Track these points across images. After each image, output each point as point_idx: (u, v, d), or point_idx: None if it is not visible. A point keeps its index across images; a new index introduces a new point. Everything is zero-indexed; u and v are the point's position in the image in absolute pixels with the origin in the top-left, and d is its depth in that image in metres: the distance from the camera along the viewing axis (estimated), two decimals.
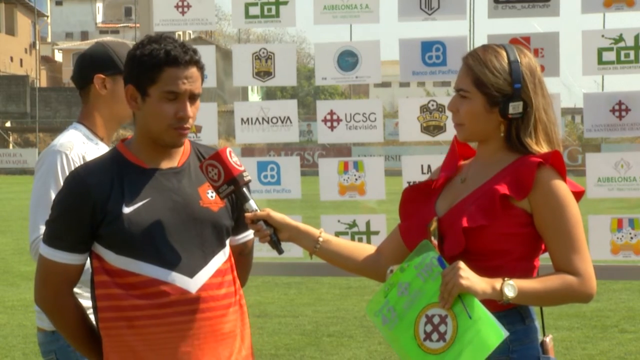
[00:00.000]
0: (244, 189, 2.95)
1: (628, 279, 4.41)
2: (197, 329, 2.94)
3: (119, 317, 2.95)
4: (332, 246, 3.08)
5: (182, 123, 2.95)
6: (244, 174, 2.94)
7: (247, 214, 2.95)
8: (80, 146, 3.72)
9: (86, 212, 2.94)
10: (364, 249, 3.15)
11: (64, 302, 3.06)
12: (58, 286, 3.03)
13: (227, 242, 3.10)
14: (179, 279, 2.93)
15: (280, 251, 2.98)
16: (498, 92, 2.88)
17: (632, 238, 4.23)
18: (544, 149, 2.90)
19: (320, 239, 3.06)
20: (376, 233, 4.41)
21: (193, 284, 2.95)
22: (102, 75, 3.77)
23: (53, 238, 3.00)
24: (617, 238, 4.24)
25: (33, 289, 3.82)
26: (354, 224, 4.45)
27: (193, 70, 2.95)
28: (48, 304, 3.08)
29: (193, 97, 2.96)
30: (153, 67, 2.91)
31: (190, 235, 2.98)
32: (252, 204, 2.96)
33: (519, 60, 2.90)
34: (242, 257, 3.22)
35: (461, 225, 2.83)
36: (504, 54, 2.91)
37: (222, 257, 3.05)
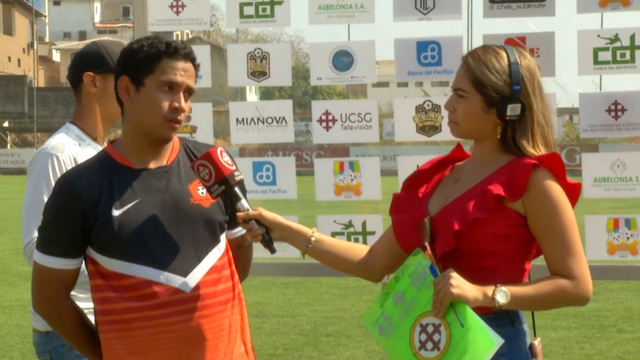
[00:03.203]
0: (236, 189, 2.94)
1: (624, 279, 4.42)
2: (196, 327, 2.94)
3: (115, 320, 2.94)
4: (325, 246, 3.07)
5: (175, 115, 2.94)
6: (235, 173, 2.93)
7: (239, 214, 2.94)
8: (71, 148, 3.72)
9: (77, 216, 2.93)
10: (357, 249, 3.13)
11: (61, 307, 3.05)
12: (54, 291, 3.03)
13: (223, 237, 3.08)
14: (172, 279, 2.92)
15: (272, 250, 2.97)
16: (496, 93, 2.86)
17: (628, 238, 4.23)
18: (540, 151, 2.88)
19: (313, 239, 3.05)
20: (372, 233, 4.41)
21: (187, 282, 2.94)
22: (91, 73, 3.77)
23: (46, 244, 3.00)
24: (614, 238, 4.24)
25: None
26: (350, 224, 4.45)
27: (190, 65, 2.97)
28: (45, 309, 3.07)
29: (188, 92, 2.97)
30: (152, 56, 2.93)
31: (182, 233, 2.97)
32: (244, 203, 2.95)
33: (519, 62, 2.88)
34: (241, 251, 3.21)
35: (452, 228, 2.82)
36: (504, 55, 2.89)
37: (217, 253, 3.03)
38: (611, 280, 3.91)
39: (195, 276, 2.95)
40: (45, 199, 3.62)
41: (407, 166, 4.36)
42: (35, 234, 3.59)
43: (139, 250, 2.91)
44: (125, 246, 2.91)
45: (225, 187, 2.92)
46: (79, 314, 3.09)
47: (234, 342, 3.04)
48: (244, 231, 3.16)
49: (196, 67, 3.00)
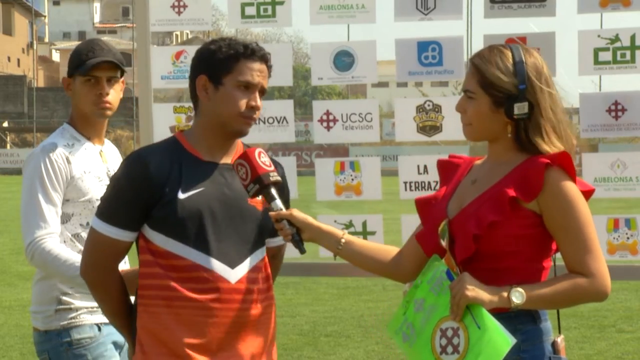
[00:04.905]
0: (272, 189, 3.02)
1: (624, 279, 4.40)
2: (232, 318, 3.07)
3: (159, 295, 3.06)
4: (355, 247, 3.12)
5: (252, 113, 3.10)
6: (271, 174, 3.02)
7: (271, 213, 3.03)
8: (63, 147, 3.77)
9: (144, 190, 3.04)
10: (386, 250, 3.17)
11: (110, 276, 3.16)
12: (107, 260, 3.14)
13: (265, 242, 3.22)
14: (220, 268, 3.06)
15: (302, 251, 3.05)
16: (503, 93, 2.89)
17: (628, 238, 4.23)
18: (555, 146, 2.89)
19: (343, 240, 3.10)
20: (372, 233, 4.41)
21: (233, 274, 3.07)
22: (66, 78, 3.86)
23: (108, 214, 3.10)
24: (614, 238, 4.24)
25: (31, 288, 3.84)
26: (350, 224, 4.45)
27: (264, 67, 3.15)
28: (94, 277, 3.17)
29: (262, 92, 3.14)
30: (231, 57, 3.09)
31: (235, 228, 3.10)
32: (277, 203, 3.03)
33: (525, 61, 2.91)
34: (274, 260, 3.33)
35: (471, 231, 2.84)
36: (510, 54, 2.92)
37: (260, 255, 3.18)
38: (611, 280, 3.90)
39: (241, 270, 3.09)
40: (41, 198, 3.68)
41: (408, 166, 4.37)
42: (37, 233, 3.63)
43: (195, 235, 3.04)
44: (184, 229, 3.03)
45: (259, 187, 3.01)
46: (124, 286, 3.20)
47: (262, 340, 3.16)
48: (282, 242, 3.30)
49: (269, 67, 3.18)
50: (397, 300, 3.02)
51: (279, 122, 4.49)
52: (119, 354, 3.87)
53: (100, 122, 3.91)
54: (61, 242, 3.72)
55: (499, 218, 2.83)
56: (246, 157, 3.02)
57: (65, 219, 3.76)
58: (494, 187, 2.90)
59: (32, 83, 56.06)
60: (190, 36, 53.23)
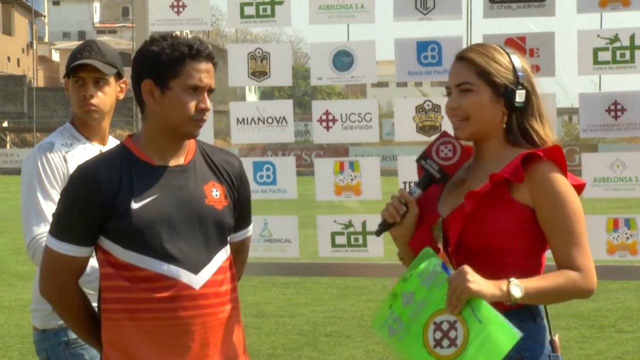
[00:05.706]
0: (428, 179, 2.96)
1: (624, 279, 4.41)
2: (200, 324, 3.00)
3: (122, 309, 2.99)
4: None
5: (202, 115, 3.02)
6: (445, 175, 2.95)
7: (404, 192, 2.94)
8: (61, 146, 3.78)
9: (96, 205, 2.97)
10: None
11: (70, 293, 3.09)
12: (65, 278, 3.07)
13: (228, 239, 3.15)
14: (184, 275, 2.98)
15: (378, 234, 3.02)
16: (503, 82, 2.90)
17: (628, 238, 4.23)
18: (548, 134, 2.92)
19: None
20: (372, 233, 4.40)
21: (197, 280, 3.00)
22: (65, 79, 3.88)
23: (61, 231, 3.03)
24: (613, 238, 4.24)
25: (31, 289, 3.84)
26: (349, 224, 4.45)
27: (210, 66, 3.04)
28: (54, 295, 3.11)
29: (209, 91, 3.04)
30: (176, 59, 2.98)
31: (195, 232, 3.03)
32: (419, 192, 2.96)
33: (517, 56, 2.96)
34: (238, 255, 3.27)
35: (464, 213, 2.85)
36: (502, 50, 2.96)
37: (223, 255, 3.10)
38: (611, 280, 3.90)
39: (204, 274, 3.02)
40: (40, 196, 3.68)
41: (408, 166, 4.36)
42: (37, 231, 3.63)
43: (154, 244, 2.97)
44: (141, 239, 2.96)
45: (439, 177, 2.94)
46: (86, 300, 3.14)
47: (232, 341, 3.11)
48: (245, 236, 3.28)
49: (215, 65, 3.07)
50: None
51: (278, 122, 4.48)
52: None
53: (97, 123, 3.89)
54: None
55: (490, 192, 2.82)
56: (463, 152, 2.93)
57: None
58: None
59: (32, 83, 56.07)
60: (189, 36, 53.21)
